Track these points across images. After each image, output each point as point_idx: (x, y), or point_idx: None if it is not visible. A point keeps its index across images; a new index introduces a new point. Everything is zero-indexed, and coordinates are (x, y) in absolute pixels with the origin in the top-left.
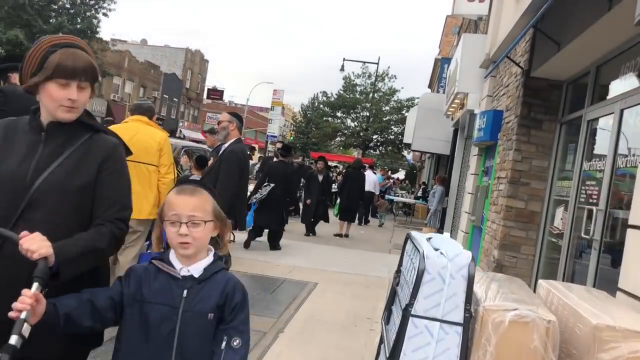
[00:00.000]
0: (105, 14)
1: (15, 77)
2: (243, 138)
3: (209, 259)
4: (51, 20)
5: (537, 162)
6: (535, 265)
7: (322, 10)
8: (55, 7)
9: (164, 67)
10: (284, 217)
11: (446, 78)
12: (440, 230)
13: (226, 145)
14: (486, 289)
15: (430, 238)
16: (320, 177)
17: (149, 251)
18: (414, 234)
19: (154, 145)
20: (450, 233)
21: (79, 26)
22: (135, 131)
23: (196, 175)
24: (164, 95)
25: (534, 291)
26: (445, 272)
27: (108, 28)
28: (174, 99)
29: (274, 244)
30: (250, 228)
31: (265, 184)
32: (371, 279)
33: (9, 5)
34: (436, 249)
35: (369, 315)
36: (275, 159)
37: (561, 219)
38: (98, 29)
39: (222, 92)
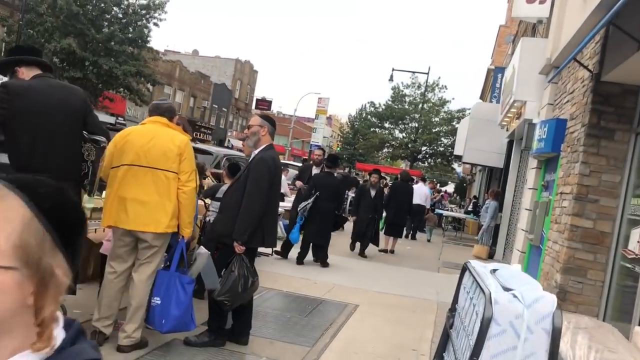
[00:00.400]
0: (156, 24)
1: (23, 72)
2: (289, 148)
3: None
4: (104, 30)
5: (608, 177)
6: (605, 293)
7: (371, 20)
8: (108, 16)
9: (214, 77)
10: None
11: (500, 88)
12: (492, 247)
13: (256, 152)
14: (572, 342)
15: (496, 270)
16: (373, 192)
17: (168, 265)
18: (474, 264)
19: (173, 149)
20: (504, 251)
21: (130, 35)
22: (152, 134)
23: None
24: (214, 105)
25: (629, 338)
26: (520, 324)
27: (161, 39)
28: (223, 109)
29: (323, 260)
30: (297, 244)
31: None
32: (418, 302)
33: (64, 15)
34: (507, 289)
35: (415, 346)
36: (313, 166)
37: (638, 241)
38: (149, 38)
39: (270, 102)
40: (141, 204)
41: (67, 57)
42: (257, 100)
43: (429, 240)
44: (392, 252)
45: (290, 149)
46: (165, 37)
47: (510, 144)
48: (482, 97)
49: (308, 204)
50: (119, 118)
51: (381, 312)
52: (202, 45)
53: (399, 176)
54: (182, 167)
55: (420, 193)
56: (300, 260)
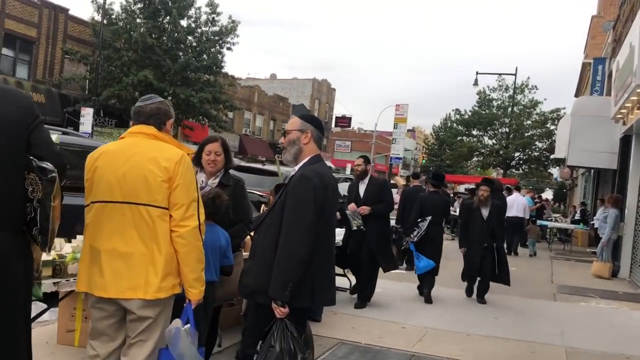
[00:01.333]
0: (229, 48)
1: None
2: (373, 164)
3: None
4: (179, 60)
5: None
6: None
7: (449, 24)
8: (183, 46)
9: (292, 99)
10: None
11: (601, 80)
12: (615, 264)
13: (297, 167)
14: None
15: None
16: (486, 213)
17: (171, 343)
18: None
19: (157, 173)
20: (630, 268)
21: (204, 63)
22: (130, 153)
23: None
24: None
25: None
26: None
27: (241, 67)
28: None
29: (428, 295)
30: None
31: (419, 219)
32: (539, 349)
33: (140, 48)
34: None
35: None
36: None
37: None
38: (223, 64)
39: (350, 119)
40: (121, 258)
41: (145, 89)
42: (337, 118)
43: (532, 255)
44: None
45: (373, 165)
46: (246, 65)
47: (626, 141)
48: (577, 94)
49: (422, 231)
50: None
51: None
52: (279, 69)
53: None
54: (174, 198)
55: (517, 204)
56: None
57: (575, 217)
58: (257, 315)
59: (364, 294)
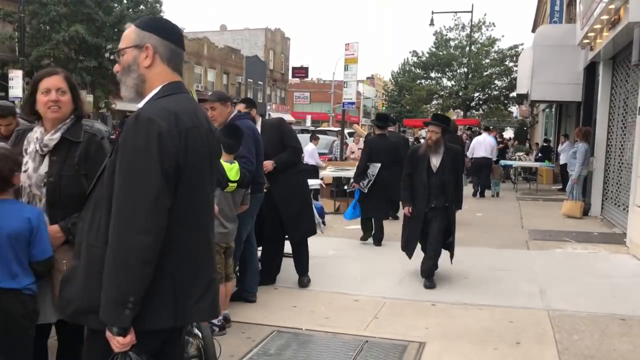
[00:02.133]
0: None
1: None
2: (333, 115)
3: None
4: (113, 12)
5: None
6: None
7: None
8: None
9: (245, 50)
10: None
11: (559, 10)
12: (586, 202)
13: (140, 105)
14: None
15: None
16: (436, 162)
17: None
18: None
19: None
20: (602, 205)
21: (142, 14)
22: None
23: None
24: (248, 80)
25: None
26: None
27: (186, 18)
28: (259, 82)
29: (379, 238)
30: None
31: (369, 164)
32: (518, 317)
33: (69, 1)
34: None
35: None
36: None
37: None
38: (162, 14)
39: (307, 69)
40: None
41: (79, 46)
42: (294, 68)
43: (493, 196)
44: None
45: (334, 115)
46: (190, 16)
47: (591, 70)
48: (534, 28)
49: (371, 179)
50: None
51: (466, 352)
52: (230, 21)
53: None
54: None
55: (486, 145)
56: (366, 237)
57: (539, 155)
58: (92, 347)
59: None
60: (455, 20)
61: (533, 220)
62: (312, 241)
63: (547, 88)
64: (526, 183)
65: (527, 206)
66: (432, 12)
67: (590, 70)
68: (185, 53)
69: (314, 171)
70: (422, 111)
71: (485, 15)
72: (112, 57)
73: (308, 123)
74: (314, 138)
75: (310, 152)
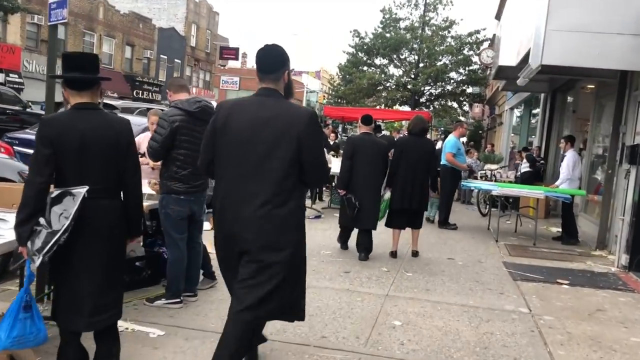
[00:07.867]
0: None
1: None
2: None
3: None
4: None
5: None
6: None
7: None
8: None
9: (162, 22)
10: None
11: None
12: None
13: None
14: None
15: None
16: None
17: None
18: None
19: None
20: None
21: None
22: None
23: None
24: (161, 56)
25: None
26: None
27: None
28: (176, 60)
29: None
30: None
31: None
32: None
33: None
34: None
35: None
36: None
37: None
38: None
39: (237, 50)
40: None
41: None
42: (222, 48)
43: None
44: (414, 254)
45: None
46: None
47: None
48: (498, 15)
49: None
50: (12, 75)
51: None
52: None
53: (409, 128)
54: None
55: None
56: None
57: (522, 169)
58: None
59: None
60: None
61: None
62: None
63: (582, 40)
64: (505, 213)
65: (549, 303)
66: None
67: None
68: (73, 15)
69: None
70: (362, 105)
71: None
72: None
73: None
74: None
75: None
